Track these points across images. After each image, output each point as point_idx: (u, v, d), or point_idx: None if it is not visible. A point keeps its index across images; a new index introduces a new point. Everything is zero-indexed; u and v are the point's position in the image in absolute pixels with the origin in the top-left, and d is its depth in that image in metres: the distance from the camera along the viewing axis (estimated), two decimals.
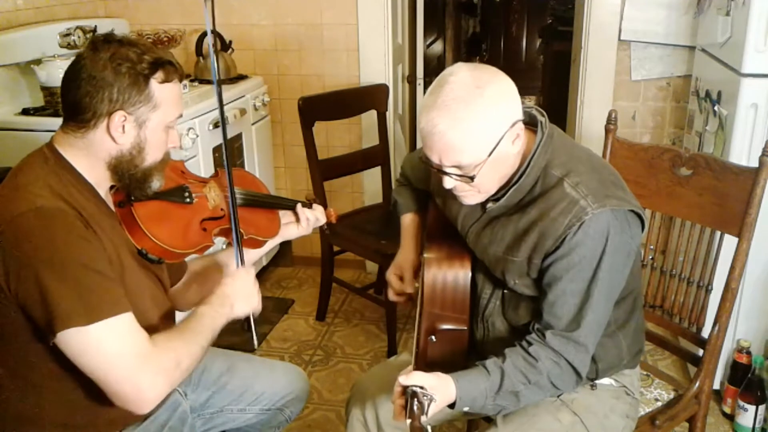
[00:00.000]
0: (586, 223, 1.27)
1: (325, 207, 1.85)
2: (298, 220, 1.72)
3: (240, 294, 1.43)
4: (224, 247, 1.77)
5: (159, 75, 1.28)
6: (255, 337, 1.49)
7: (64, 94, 1.29)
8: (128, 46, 1.27)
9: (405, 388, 1.20)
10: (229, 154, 1.50)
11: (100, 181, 1.33)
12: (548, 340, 1.32)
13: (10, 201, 1.21)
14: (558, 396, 1.44)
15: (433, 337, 1.47)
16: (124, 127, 1.27)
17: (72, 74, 1.27)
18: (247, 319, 1.47)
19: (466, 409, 1.30)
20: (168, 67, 1.30)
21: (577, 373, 1.33)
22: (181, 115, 1.37)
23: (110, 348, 1.19)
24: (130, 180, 1.33)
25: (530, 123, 1.39)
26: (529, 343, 1.33)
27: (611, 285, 1.34)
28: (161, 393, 1.24)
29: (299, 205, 1.72)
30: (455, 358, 1.48)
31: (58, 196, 1.22)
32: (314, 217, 1.73)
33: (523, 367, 1.31)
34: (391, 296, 1.71)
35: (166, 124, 1.33)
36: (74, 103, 1.26)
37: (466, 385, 1.28)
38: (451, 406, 1.28)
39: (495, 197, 1.39)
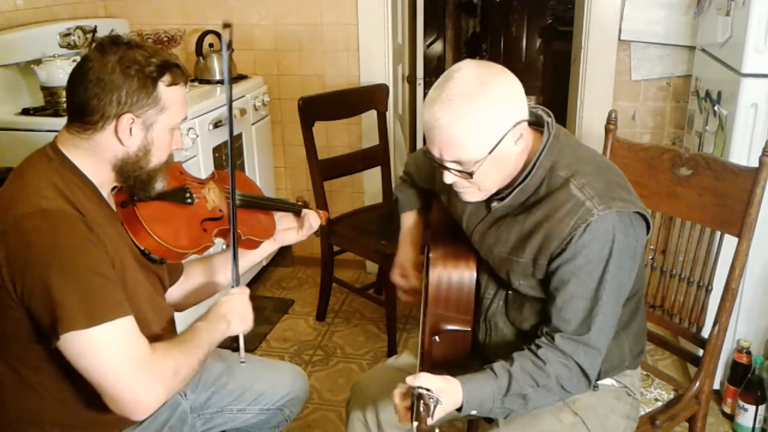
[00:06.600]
0: (592, 225, 1.27)
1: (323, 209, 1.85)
2: (300, 225, 1.71)
3: (236, 312, 1.45)
4: (224, 247, 1.76)
5: (166, 78, 1.29)
6: (242, 354, 1.53)
7: (71, 95, 1.28)
8: (136, 49, 1.27)
9: (411, 389, 1.19)
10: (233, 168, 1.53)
11: (104, 182, 1.33)
12: (557, 343, 1.31)
13: (15, 202, 1.21)
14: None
15: (436, 337, 1.47)
16: (131, 129, 1.27)
17: (79, 76, 1.26)
18: (237, 337, 1.50)
19: (473, 412, 1.29)
20: (175, 70, 1.31)
21: (586, 376, 1.33)
22: (185, 118, 1.38)
23: (109, 352, 1.18)
24: (134, 181, 1.33)
25: (536, 123, 1.39)
26: (538, 347, 1.33)
27: (619, 287, 1.34)
28: (158, 400, 1.23)
29: (310, 212, 1.71)
30: (458, 359, 1.48)
31: (62, 196, 1.22)
32: (316, 222, 1.72)
33: (531, 370, 1.30)
34: (402, 296, 1.70)
35: (172, 127, 1.33)
36: (81, 104, 1.26)
37: (474, 388, 1.27)
38: (459, 409, 1.27)
39: (500, 196, 1.38)
